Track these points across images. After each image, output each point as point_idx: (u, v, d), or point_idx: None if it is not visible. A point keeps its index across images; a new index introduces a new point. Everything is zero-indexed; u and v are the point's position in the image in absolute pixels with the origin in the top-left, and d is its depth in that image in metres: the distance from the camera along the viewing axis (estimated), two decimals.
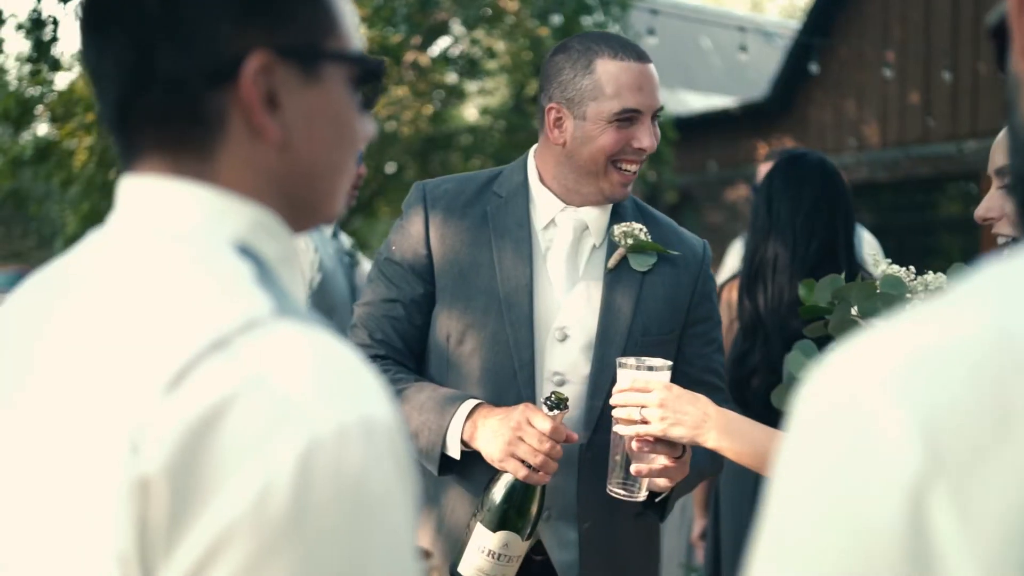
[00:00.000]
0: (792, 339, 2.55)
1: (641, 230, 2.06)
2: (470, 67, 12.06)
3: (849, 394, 0.56)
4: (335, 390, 0.71)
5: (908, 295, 2.01)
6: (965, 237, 10.80)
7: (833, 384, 0.57)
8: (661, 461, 1.83)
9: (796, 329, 2.60)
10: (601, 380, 2.00)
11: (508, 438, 1.81)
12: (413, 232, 2.08)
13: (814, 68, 10.64)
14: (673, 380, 2.13)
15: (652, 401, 1.80)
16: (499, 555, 1.84)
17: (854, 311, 2.07)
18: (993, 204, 1.65)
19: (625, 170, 2.00)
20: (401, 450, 0.73)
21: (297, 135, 0.84)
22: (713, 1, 27.91)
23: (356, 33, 0.91)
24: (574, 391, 2.00)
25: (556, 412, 1.81)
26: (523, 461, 1.81)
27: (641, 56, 2.00)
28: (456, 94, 12.81)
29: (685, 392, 1.82)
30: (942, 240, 11.13)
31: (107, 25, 0.83)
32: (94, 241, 0.87)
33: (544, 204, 2.07)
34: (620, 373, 1.87)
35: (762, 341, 2.68)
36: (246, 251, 0.82)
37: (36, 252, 23.90)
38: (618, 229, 2.05)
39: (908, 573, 0.52)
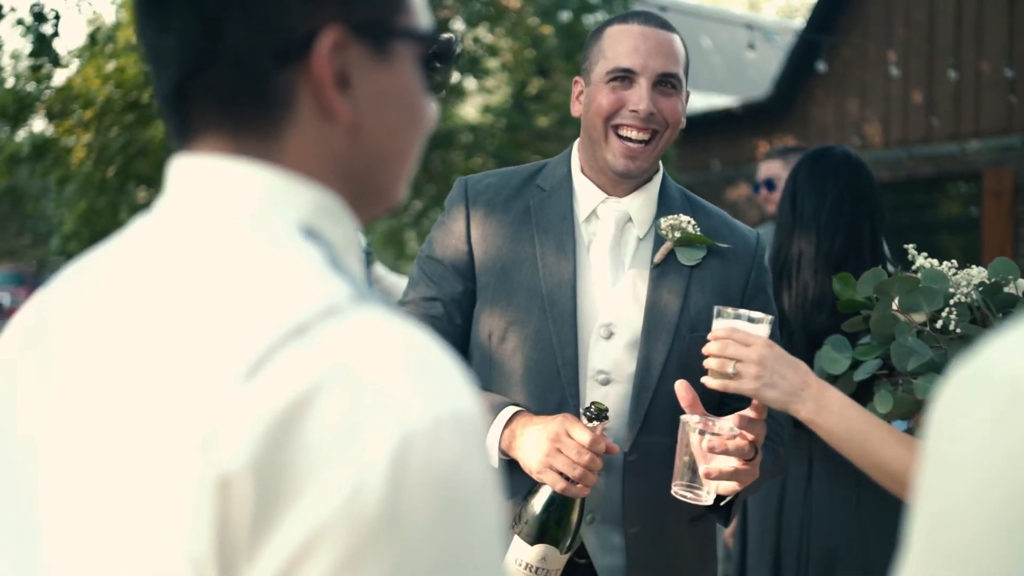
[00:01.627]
0: (817, 336, 2.52)
1: (689, 222, 1.99)
2: (471, 65, 12.01)
3: (1018, 398, 0.56)
4: (426, 381, 0.67)
5: (951, 289, 1.97)
6: (966, 237, 10.77)
7: (1000, 386, 0.57)
8: (732, 463, 1.76)
9: (821, 325, 2.58)
10: (647, 379, 1.94)
11: (547, 449, 1.75)
12: (455, 229, 2.03)
13: (822, 67, 10.59)
14: None
15: (751, 356, 1.69)
16: (536, 568, 1.79)
17: (895, 305, 2.02)
18: None
19: (626, 137, 1.93)
20: (486, 444, 0.71)
21: (367, 116, 0.81)
22: (711, 0, 27.93)
23: (425, 9, 0.87)
24: (619, 390, 1.94)
25: (596, 423, 1.75)
26: (561, 473, 1.74)
27: (649, 20, 1.96)
28: (457, 92, 12.76)
29: (785, 354, 1.72)
30: (943, 240, 11.10)
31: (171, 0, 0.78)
32: (146, 224, 0.82)
33: (585, 195, 2.02)
34: (717, 323, 1.78)
35: (787, 339, 2.64)
36: (313, 235, 0.78)
37: (31, 250, 23.86)
38: (665, 222, 1.99)
39: None
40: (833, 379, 2.44)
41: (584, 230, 2.01)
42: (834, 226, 2.70)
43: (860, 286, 2.07)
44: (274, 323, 0.68)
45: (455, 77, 12.44)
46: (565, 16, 10.77)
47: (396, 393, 0.66)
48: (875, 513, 2.77)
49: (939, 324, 1.93)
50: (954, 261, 2.06)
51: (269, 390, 0.65)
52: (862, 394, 2.38)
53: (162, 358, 0.71)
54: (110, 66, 9.53)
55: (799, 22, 21.34)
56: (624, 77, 1.93)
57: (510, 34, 11.38)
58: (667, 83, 1.95)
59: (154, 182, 9.67)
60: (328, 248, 0.78)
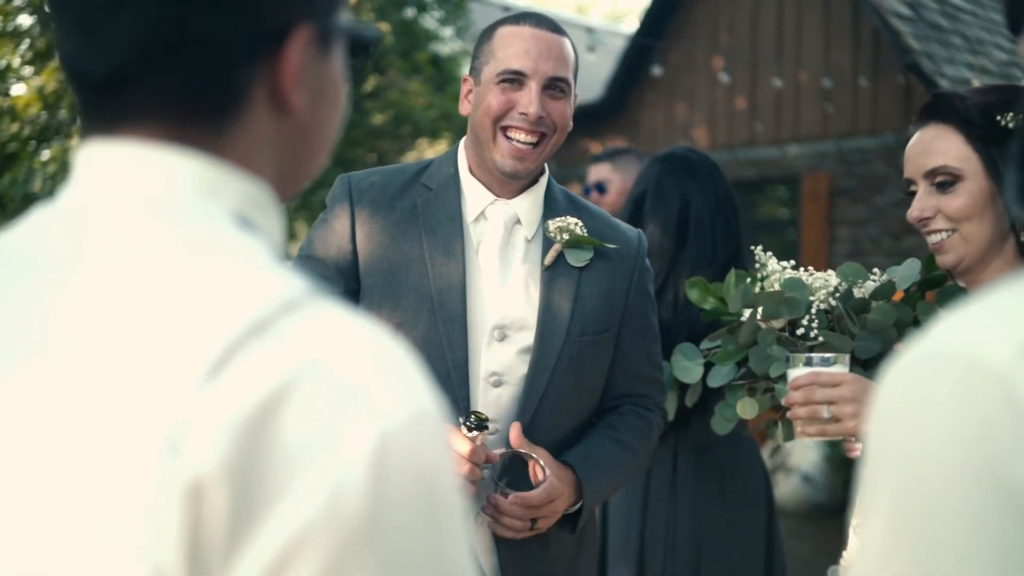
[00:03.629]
0: (704, 336, 2.59)
1: (576, 224, 2.02)
2: None
3: (982, 371, 0.58)
4: (398, 379, 0.66)
5: (811, 297, 2.03)
6: (785, 237, 11.30)
7: (957, 363, 0.59)
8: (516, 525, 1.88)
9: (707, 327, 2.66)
10: (538, 381, 1.95)
11: None
12: (338, 228, 1.98)
13: (657, 71, 10.91)
14: (611, 375, 2.10)
15: (844, 395, 1.66)
16: None
17: (758, 314, 2.08)
18: (927, 204, 1.69)
19: (514, 139, 1.94)
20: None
21: (310, 110, 0.81)
22: (537, 3, 28.35)
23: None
24: (511, 392, 1.95)
25: (476, 433, 1.74)
26: None
27: (541, 23, 1.97)
28: None
29: (872, 383, 1.69)
30: (763, 240, 11.61)
31: None
32: (60, 212, 0.77)
33: (474, 196, 2.02)
34: (793, 372, 1.77)
35: (665, 343, 2.71)
36: (249, 227, 0.76)
37: None
38: (553, 224, 2.00)
39: None
40: (685, 387, 2.50)
41: (473, 231, 2.00)
42: (709, 231, 2.79)
43: (732, 302, 2.12)
44: (233, 319, 0.65)
45: None
46: (409, 13, 10.70)
47: (371, 391, 0.64)
48: (739, 507, 2.87)
49: (800, 331, 1.99)
50: (811, 268, 2.14)
51: (235, 390, 0.62)
52: (709, 398, 2.45)
53: (110, 358, 0.67)
54: None
55: (627, 26, 21.93)
56: (514, 79, 1.94)
57: None
58: (556, 87, 1.97)
59: None
60: (267, 241, 0.77)
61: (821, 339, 1.96)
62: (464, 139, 2.10)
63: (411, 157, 11.10)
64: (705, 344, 2.26)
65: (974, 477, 0.57)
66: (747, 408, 2.09)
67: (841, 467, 7.20)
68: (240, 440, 0.61)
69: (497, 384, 1.95)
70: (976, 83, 9.91)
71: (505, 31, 1.98)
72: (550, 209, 2.05)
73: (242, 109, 0.77)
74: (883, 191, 10.43)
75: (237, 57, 0.76)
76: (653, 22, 11.79)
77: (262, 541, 0.61)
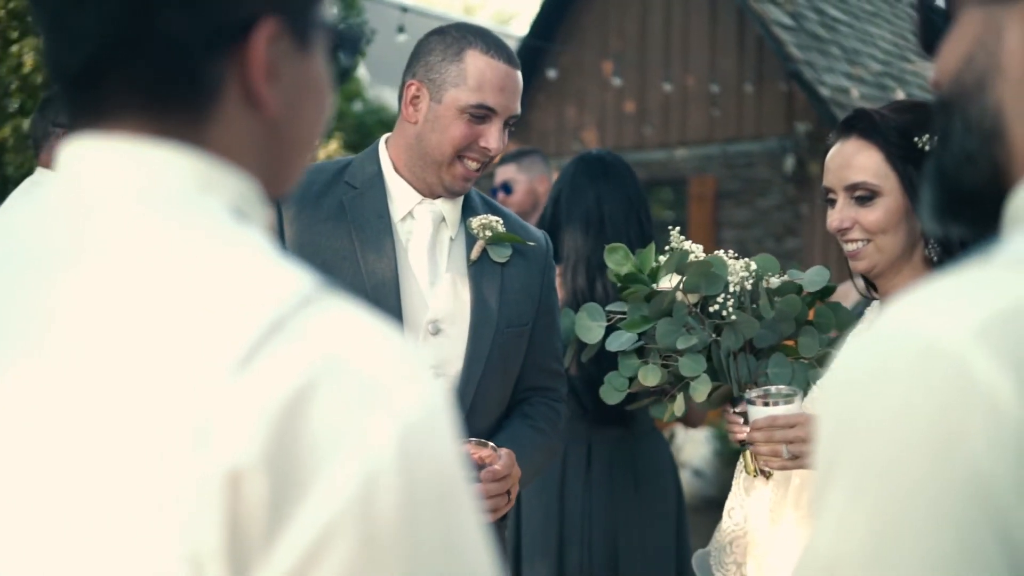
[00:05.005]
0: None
1: (497, 222, 2.10)
2: None
3: (938, 350, 0.61)
4: (412, 372, 0.69)
5: (729, 276, 2.09)
6: (666, 238, 11.56)
7: (914, 342, 0.62)
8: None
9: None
10: (473, 372, 2.03)
11: None
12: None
13: (552, 74, 11.03)
14: (522, 367, 2.15)
15: (800, 436, 1.75)
16: None
17: (677, 283, 2.12)
18: (846, 216, 1.81)
19: (469, 166, 2.01)
20: None
21: (288, 107, 0.80)
22: (423, 2, 28.32)
23: None
24: (447, 383, 2.01)
25: None
26: None
27: (511, 60, 2.03)
28: None
29: None
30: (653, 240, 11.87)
31: None
32: (50, 207, 0.77)
33: (401, 195, 2.06)
34: (752, 410, 1.85)
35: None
36: (247, 222, 0.77)
37: None
38: (476, 221, 2.08)
39: (1015, 506, 0.58)
40: (583, 345, 2.52)
41: (400, 229, 2.04)
42: (601, 228, 2.86)
43: (666, 265, 2.16)
44: (256, 315, 0.66)
45: None
46: None
47: (392, 383, 0.67)
48: (651, 499, 2.95)
49: (712, 308, 2.06)
50: (731, 251, 2.21)
51: (266, 382, 0.64)
52: (605, 361, 2.47)
53: (127, 351, 0.67)
54: None
55: (514, 28, 22.09)
56: (484, 115, 1.98)
57: None
58: (511, 122, 2.03)
59: None
60: (264, 235, 0.77)
61: (733, 317, 2.03)
62: (387, 137, 2.13)
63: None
64: (612, 307, 2.28)
65: (931, 451, 0.60)
66: (649, 375, 2.14)
67: (730, 462, 7.42)
68: (273, 432, 0.63)
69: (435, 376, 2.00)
70: (854, 91, 10.34)
71: (480, 61, 2.00)
72: (468, 209, 2.13)
73: (216, 105, 0.77)
74: (766, 194, 10.77)
75: (202, 50, 0.75)
76: (544, 25, 11.92)
77: (296, 529, 0.63)
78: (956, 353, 0.61)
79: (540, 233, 2.25)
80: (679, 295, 2.11)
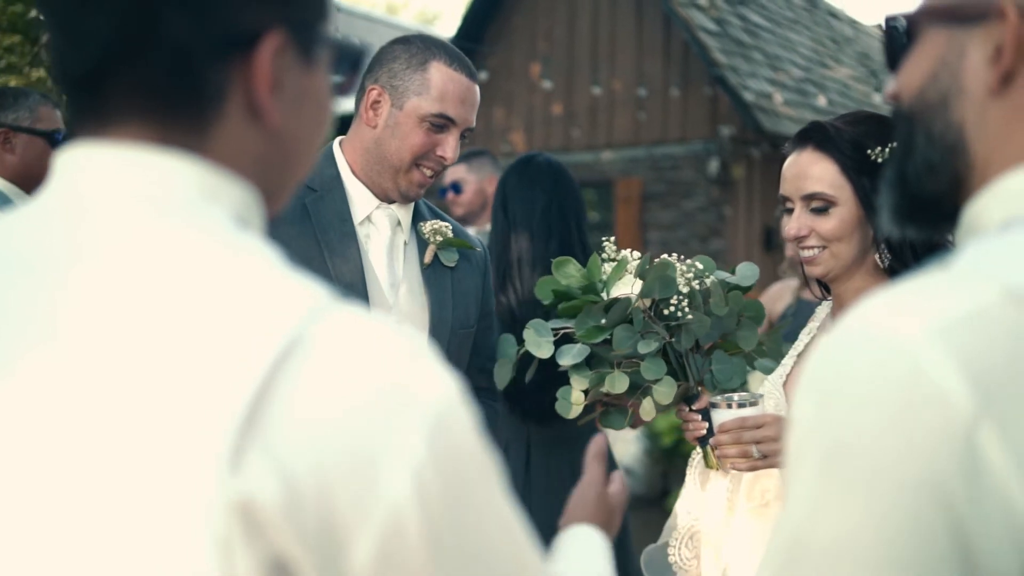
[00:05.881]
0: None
1: (447, 227, 2.19)
2: None
3: (897, 349, 0.66)
4: (429, 368, 0.72)
5: (679, 279, 2.15)
6: (597, 239, 11.66)
7: (875, 342, 0.67)
8: None
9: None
10: None
11: None
12: None
13: (481, 76, 11.04)
14: (467, 367, 2.19)
15: (769, 435, 1.81)
16: None
17: (638, 289, 2.17)
18: (803, 224, 1.89)
19: (424, 173, 2.05)
20: None
21: (289, 119, 0.82)
22: (350, 1, 28.08)
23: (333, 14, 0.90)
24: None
25: None
26: None
27: (472, 75, 2.13)
28: None
29: None
30: None
31: None
32: (49, 213, 0.77)
33: (360, 199, 2.10)
34: (719, 413, 1.89)
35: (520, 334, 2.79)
36: (250, 230, 0.79)
37: None
38: (428, 226, 2.17)
39: (969, 496, 0.63)
40: (526, 362, 2.54)
41: (359, 232, 2.08)
42: (547, 231, 2.90)
43: (637, 272, 2.19)
44: (276, 328, 0.68)
45: None
46: None
47: (413, 384, 0.70)
48: None
49: (668, 311, 2.11)
50: (678, 255, 2.27)
51: (296, 402, 0.66)
52: (557, 377, 2.51)
53: (150, 363, 0.68)
54: None
55: (439, 29, 22.05)
56: (444, 124, 2.03)
57: None
58: (465, 133, 2.08)
59: None
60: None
61: (690, 317, 2.08)
62: (340, 140, 2.16)
63: None
64: (555, 323, 2.30)
65: (889, 444, 0.66)
66: (616, 383, 2.17)
67: (659, 460, 7.54)
68: (306, 448, 0.66)
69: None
70: (777, 96, 10.57)
71: (444, 72, 2.06)
72: (417, 214, 2.20)
73: (219, 114, 0.78)
74: (691, 196, 10.94)
75: (206, 59, 0.76)
76: (472, 27, 11.94)
77: (364, 536, 0.67)
78: (913, 353, 0.66)
79: (477, 239, 2.34)
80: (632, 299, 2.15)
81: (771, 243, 10.98)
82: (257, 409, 0.65)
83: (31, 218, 0.78)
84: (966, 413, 0.64)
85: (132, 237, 0.73)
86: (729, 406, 1.91)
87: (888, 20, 0.88)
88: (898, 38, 0.86)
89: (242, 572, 0.65)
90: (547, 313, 2.68)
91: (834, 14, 14.80)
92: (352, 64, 0.90)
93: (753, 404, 1.92)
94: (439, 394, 0.71)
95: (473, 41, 11.68)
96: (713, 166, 10.62)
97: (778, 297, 4.23)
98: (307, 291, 0.72)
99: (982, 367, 0.64)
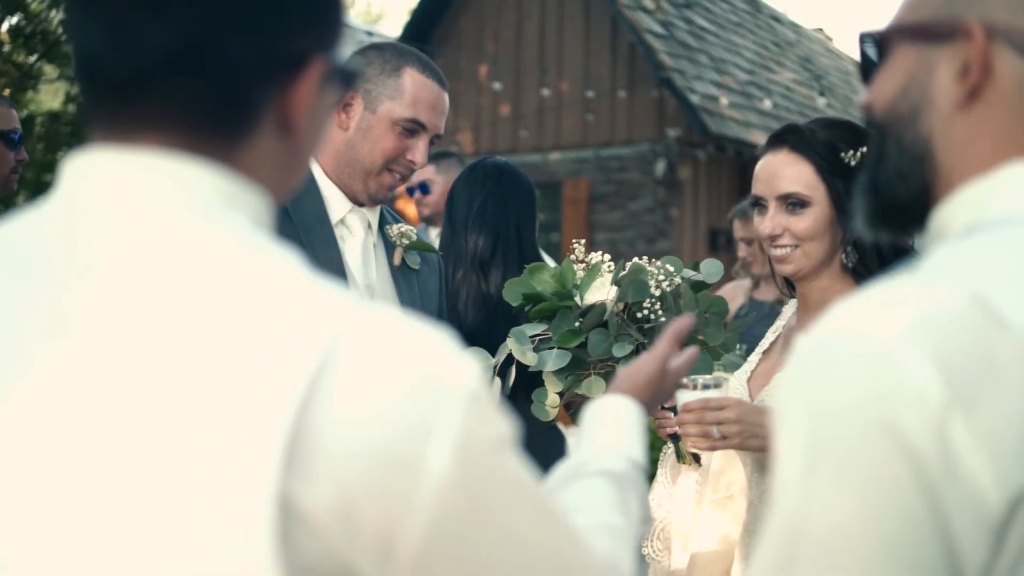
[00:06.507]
0: (473, 330, 2.69)
1: (412, 230, 2.25)
2: (50, 49, 11.06)
3: (875, 348, 0.72)
4: (453, 354, 0.75)
5: (651, 281, 2.18)
6: (545, 240, 11.75)
7: (855, 342, 0.73)
8: None
9: (475, 320, 2.79)
10: None
11: None
12: None
13: None
14: None
15: (729, 417, 1.84)
16: None
17: (614, 294, 2.20)
18: (778, 223, 1.93)
19: (395, 176, 2.10)
20: None
21: (310, 133, 0.86)
22: None
23: None
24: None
25: None
26: None
27: (443, 83, 2.18)
28: (31, 76, 11.68)
29: (754, 405, 1.89)
30: None
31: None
32: (70, 220, 0.78)
33: (335, 201, 2.15)
34: (684, 395, 1.91)
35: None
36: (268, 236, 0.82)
37: None
38: (395, 229, 2.22)
39: (947, 480, 0.69)
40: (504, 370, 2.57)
41: (336, 234, 2.10)
42: (477, 229, 2.95)
43: (587, 276, 2.22)
44: (314, 332, 0.71)
45: (30, 59, 11.40)
46: None
47: (441, 374, 0.74)
48: None
49: (641, 314, 2.14)
50: (647, 258, 2.30)
51: (339, 408, 0.69)
52: (530, 379, 2.54)
53: (190, 367, 0.70)
54: None
55: (384, 28, 21.97)
56: (415, 129, 2.07)
57: None
58: (433, 140, 2.13)
59: None
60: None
61: (663, 319, 2.11)
62: None
63: None
64: (529, 328, 2.32)
65: (873, 435, 0.71)
66: (594, 387, 2.20)
67: None
68: (361, 444, 0.70)
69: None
70: (723, 99, 10.71)
71: (417, 78, 2.10)
72: (382, 217, 2.27)
73: (254, 128, 0.80)
74: (638, 197, 11.05)
75: (257, 78, 0.79)
76: (419, 27, 11.94)
77: (417, 509, 0.71)
78: (892, 350, 0.71)
79: (431, 245, 2.41)
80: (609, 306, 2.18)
81: (716, 244, 11.12)
82: (305, 410, 0.68)
83: (52, 221, 0.79)
84: (940, 405, 0.69)
85: (163, 242, 0.75)
86: (695, 387, 1.96)
87: (862, 36, 0.94)
88: (871, 54, 0.93)
89: (296, 570, 0.68)
90: (484, 316, 2.72)
91: (776, 18, 15.04)
92: (351, 83, 0.93)
93: (717, 387, 1.96)
94: (467, 379, 0.74)
95: (420, 42, 11.67)
96: (660, 167, 10.74)
97: (731, 297, 4.30)
98: (336, 294, 0.75)
99: (953, 364, 0.69)
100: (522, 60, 11.52)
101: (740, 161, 11.06)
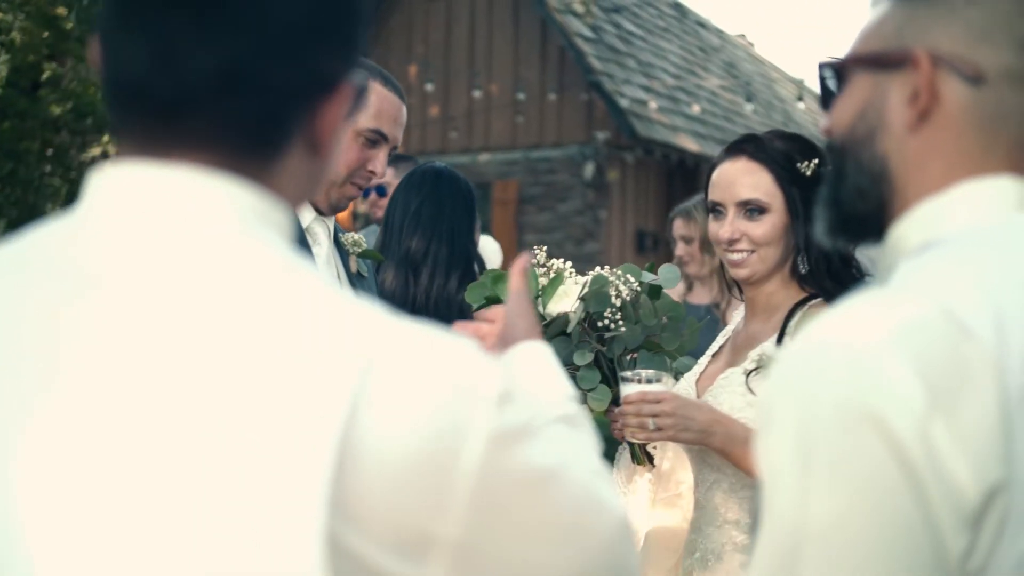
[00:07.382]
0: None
1: (362, 239, 2.33)
2: None
3: (861, 354, 0.77)
4: (482, 365, 0.79)
5: (611, 290, 2.22)
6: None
7: (837, 350, 0.78)
8: None
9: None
10: None
11: None
12: None
13: None
14: None
15: (664, 410, 1.90)
16: None
17: (577, 305, 2.23)
18: (736, 228, 1.99)
19: (357, 186, 2.15)
20: None
21: (332, 154, 0.90)
22: None
23: None
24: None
25: None
26: None
27: (403, 98, 2.26)
28: None
29: (690, 400, 1.96)
30: None
31: (217, 20, 0.79)
32: (104, 234, 0.80)
33: (301, 210, 2.12)
34: (626, 386, 1.96)
35: None
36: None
37: None
38: (349, 238, 2.31)
39: (927, 477, 0.74)
40: None
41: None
42: (412, 231, 2.99)
43: (550, 287, 2.25)
44: (353, 354, 0.74)
45: None
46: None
47: (472, 383, 0.77)
48: None
49: (602, 323, 2.18)
50: (609, 267, 2.34)
51: (383, 419, 0.72)
52: None
53: (236, 377, 0.72)
54: None
55: None
56: (377, 140, 2.13)
57: (18, 9, 10.37)
58: (392, 152, 2.19)
59: None
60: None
61: (623, 329, 2.15)
62: None
63: (94, 152, 10.44)
64: None
65: (868, 433, 0.75)
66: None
67: None
68: (403, 452, 0.73)
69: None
70: (652, 103, 10.85)
71: (380, 92, 2.15)
72: (334, 226, 2.34)
73: (286, 148, 0.83)
74: (567, 199, 11.14)
75: (295, 101, 0.82)
76: None
77: (457, 504, 0.75)
78: (874, 355, 0.76)
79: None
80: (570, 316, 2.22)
81: (644, 245, 11.27)
82: (351, 423, 0.71)
83: (88, 232, 0.80)
84: (922, 410, 0.74)
85: (205, 257, 0.77)
86: (638, 381, 2.01)
87: (821, 65, 1.02)
88: (830, 81, 1.00)
89: (345, 571, 0.71)
90: (415, 314, 2.76)
91: (702, 24, 15.28)
92: (360, 103, 0.95)
93: (658, 381, 2.03)
94: (493, 382, 0.78)
95: None
96: (588, 170, 10.84)
97: None
98: (368, 310, 0.78)
99: (931, 372, 0.75)
100: (452, 62, 11.53)
101: (667, 164, 11.22)
